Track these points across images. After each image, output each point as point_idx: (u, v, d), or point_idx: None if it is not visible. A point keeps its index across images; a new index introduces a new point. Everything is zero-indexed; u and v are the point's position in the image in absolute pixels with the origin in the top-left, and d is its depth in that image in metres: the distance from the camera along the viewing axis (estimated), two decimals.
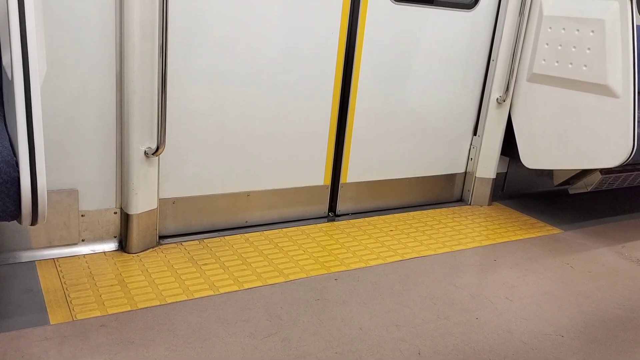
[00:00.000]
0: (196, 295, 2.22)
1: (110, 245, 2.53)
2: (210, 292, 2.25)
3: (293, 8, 2.67)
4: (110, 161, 2.44)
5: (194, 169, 2.66)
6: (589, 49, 2.92)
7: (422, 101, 3.23)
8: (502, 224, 3.31)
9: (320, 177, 3.05)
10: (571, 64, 3.02)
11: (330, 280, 2.45)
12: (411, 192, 3.42)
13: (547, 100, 3.18)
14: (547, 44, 3.13)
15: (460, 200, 3.65)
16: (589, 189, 3.33)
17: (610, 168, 3.03)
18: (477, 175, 3.54)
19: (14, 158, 1.56)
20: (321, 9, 2.74)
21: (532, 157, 3.29)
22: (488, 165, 3.50)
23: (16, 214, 1.59)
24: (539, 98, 3.22)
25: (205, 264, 2.48)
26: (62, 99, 2.26)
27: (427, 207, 3.48)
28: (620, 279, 2.73)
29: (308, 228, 2.97)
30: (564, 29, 3.04)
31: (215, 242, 2.70)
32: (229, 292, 2.27)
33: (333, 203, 3.16)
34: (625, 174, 3.30)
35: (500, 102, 3.36)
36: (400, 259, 2.72)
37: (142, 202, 2.48)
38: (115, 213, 2.52)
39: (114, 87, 2.35)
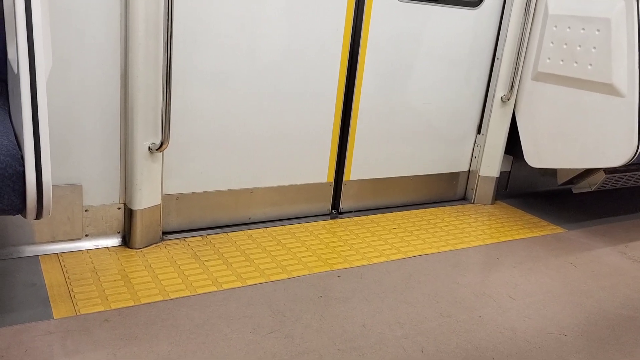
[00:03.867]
0: (199, 291, 2.22)
1: (114, 241, 2.54)
2: (214, 288, 2.26)
3: (297, 7, 2.66)
4: (114, 157, 2.44)
5: (198, 165, 2.66)
6: (594, 47, 2.91)
7: (426, 99, 3.23)
8: (505, 222, 3.31)
9: (323, 174, 3.05)
10: (576, 62, 3.01)
11: (333, 278, 2.45)
12: (414, 190, 3.42)
13: (551, 99, 3.17)
14: (552, 43, 3.12)
15: (464, 199, 3.65)
16: (593, 188, 3.33)
17: (615, 167, 3.02)
18: (480, 174, 3.53)
19: (19, 152, 1.56)
20: (325, 7, 2.73)
21: (536, 156, 3.29)
22: (492, 164, 3.50)
23: (21, 208, 1.60)
24: (543, 97, 3.22)
25: (209, 260, 2.48)
26: (66, 95, 2.27)
27: (431, 205, 3.47)
28: (623, 279, 2.72)
29: (311, 225, 2.97)
30: (569, 27, 3.03)
31: (219, 239, 2.70)
32: (232, 288, 2.27)
33: (336, 200, 3.16)
34: (629, 173, 3.29)
35: (504, 100, 3.35)
36: (404, 256, 2.72)
37: (146, 198, 2.48)
38: (119, 208, 2.52)
39: (119, 83, 2.35)
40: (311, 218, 3.06)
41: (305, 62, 2.77)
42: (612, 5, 2.83)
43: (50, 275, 2.22)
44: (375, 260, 2.64)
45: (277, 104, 2.77)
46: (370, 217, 3.17)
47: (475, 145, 3.52)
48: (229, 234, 2.76)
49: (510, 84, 3.30)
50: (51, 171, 2.24)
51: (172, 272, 2.35)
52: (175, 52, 2.42)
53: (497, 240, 3.04)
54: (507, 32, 3.25)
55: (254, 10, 2.56)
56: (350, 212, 3.21)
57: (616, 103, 2.86)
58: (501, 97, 3.35)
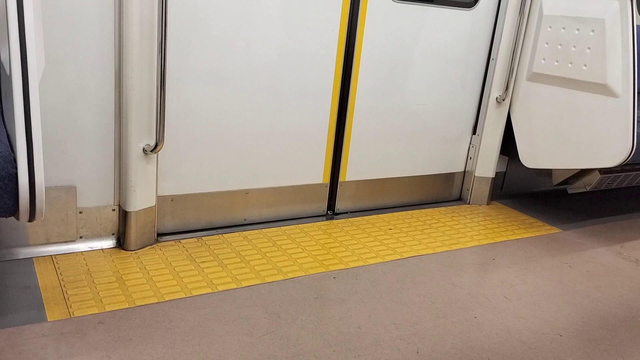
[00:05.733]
0: (194, 293, 2.22)
1: (108, 243, 2.53)
2: (209, 290, 2.25)
3: (293, 6, 2.66)
4: (109, 158, 2.43)
5: (193, 166, 2.65)
6: (588, 48, 2.92)
7: (421, 100, 3.23)
8: (500, 223, 3.31)
9: (319, 175, 3.05)
10: (571, 63, 3.01)
11: (329, 279, 2.45)
12: (410, 191, 3.42)
13: (546, 100, 3.18)
14: (547, 43, 3.13)
15: (459, 199, 3.65)
16: (588, 188, 3.33)
17: (610, 168, 3.03)
18: (476, 175, 3.53)
19: (12, 154, 1.55)
20: (321, 7, 2.73)
21: (531, 156, 3.29)
22: (487, 165, 3.50)
23: (14, 210, 1.59)
24: (538, 97, 3.22)
25: (204, 262, 2.47)
26: (60, 96, 2.26)
27: (426, 206, 3.47)
28: (618, 279, 2.73)
29: (307, 226, 2.96)
30: (563, 28, 3.03)
31: (214, 240, 2.69)
32: (227, 290, 2.26)
33: (332, 201, 3.15)
34: (624, 173, 3.30)
35: (499, 101, 3.35)
36: (399, 257, 2.72)
37: (141, 200, 2.47)
38: (114, 210, 2.51)
39: (113, 84, 2.34)
40: (307, 219, 3.05)
41: (300, 62, 2.77)
42: (606, 6, 2.83)
43: (44, 278, 2.21)
44: (370, 261, 2.64)
45: (272, 104, 2.76)
46: (365, 218, 3.17)
47: (471, 145, 3.53)
48: (224, 235, 2.75)
49: (505, 85, 3.31)
50: (45, 173, 2.23)
51: (167, 273, 2.34)
52: (170, 51, 2.41)
53: (492, 241, 3.04)
54: (502, 33, 3.25)
55: (251, 9, 2.56)
56: (346, 213, 3.20)
57: (611, 103, 2.87)
58: (496, 98, 3.35)
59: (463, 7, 3.17)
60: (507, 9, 3.20)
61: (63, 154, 2.33)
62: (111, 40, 2.29)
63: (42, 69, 1.86)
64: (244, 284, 2.33)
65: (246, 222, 2.90)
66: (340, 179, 3.13)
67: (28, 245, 2.38)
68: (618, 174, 3.29)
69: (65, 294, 2.11)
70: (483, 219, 3.34)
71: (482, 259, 2.82)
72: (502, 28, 3.24)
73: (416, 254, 2.77)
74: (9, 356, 1.75)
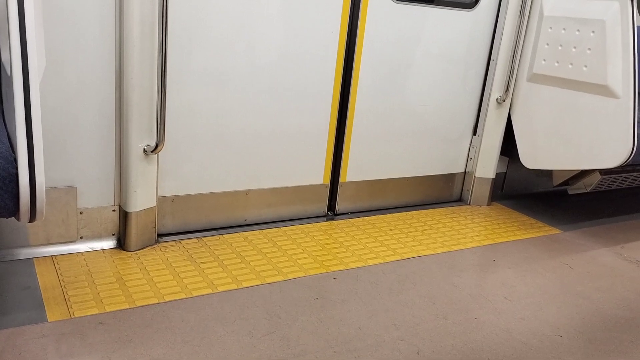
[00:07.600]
0: (195, 294, 2.21)
1: (109, 243, 2.53)
2: (209, 291, 2.25)
3: (293, 7, 2.66)
4: (109, 159, 2.44)
5: (193, 166, 2.65)
6: (589, 49, 2.92)
7: (422, 101, 3.23)
8: (501, 224, 3.31)
9: (319, 176, 3.05)
10: (571, 64, 3.01)
11: (329, 280, 2.45)
12: (410, 192, 3.42)
13: (547, 101, 3.18)
14: (547, 44, 3.13)
15: (460, 200, 3.65)
16: (588, 189, 3.33)
17: (610, 169, 3.03)
18: (476, 175, 3.53)
19: (13, 154, 1.55)
20: (321, 8, 2.73)
21: (531, 157, 3.29)
22: (487, 165, 3.50)
23: (14, 211, 1.59)
24: (539, 98, 3.22)
25: (204, 263, 2.47)
26: (61, 96, 2.26)
27: (427, 206, 3.47)
28: (619, 280, 2.72)
29: (307, 227, 2.96)
30: (564, 29, 3.03)
31: (214, 241, 2.69)
32: (227, 291, 2.26)
33: (332, 202, 3.15)
34: (624, 174, 3.30)
35: (500, 102, 3.35)
36: (399, 258, 2.72)
37: (141, 200, 2.47)
38: (114, 211, 2.51)
39: (114, 84, 2.34)
40: (307, 220, 3.05)
41: (301, 63, 2.77)
42: (607, 6, 2.83)
43: (45, 278, 2.21)
44: (371, 262, 2.64)
45: (273, 105, 2.76)
46: (366, 218, 3.17)
47: (471, 146, 3.53)
48: (224, 235, 2.75)
49: (506, 86, 3.31)
50: (45, 173, 2.23)
51: (167, 274, 2.34)
52: (171, 51, 2.41)
53: (492, 242, 3.04)
54: (502, 34, 3.25)
55: (251, 10, 2.56)
56: (346, 213, 3.20)
57: (611, 104, 2.87)
58: (497, 99, 3.35)
59: (463, 7, 3.17)
60: (507, 10, 3.20)
61: (63, 155, 2.33)
62: (112, 41, 2.29)
63: (43, 69, 1.86)
64: (245, 284, 2.32)
65: (246, 223, 2.90)
66: (341, 180, 3.13)
67: (28, 245, 2.38)
68: (618, 175, 3.28)
69: (65, 295, 2.11)
70: (483, 220, 3.34)
71: (482, 259, 2.82)
72: (503, 29, 3.24)
73: (416, 255, 2.77)
74: (9, 357, 1.75)
